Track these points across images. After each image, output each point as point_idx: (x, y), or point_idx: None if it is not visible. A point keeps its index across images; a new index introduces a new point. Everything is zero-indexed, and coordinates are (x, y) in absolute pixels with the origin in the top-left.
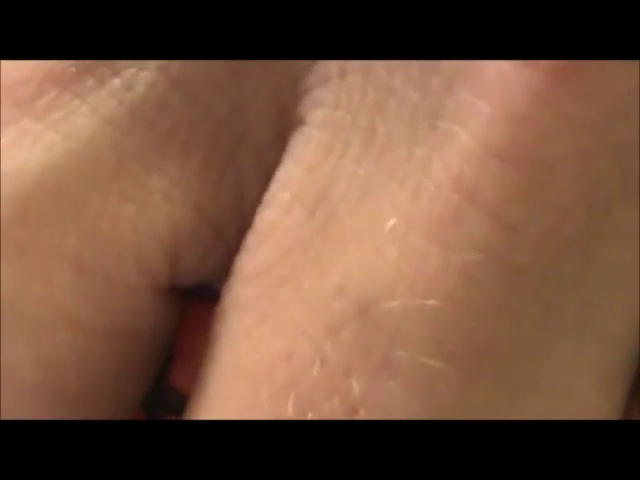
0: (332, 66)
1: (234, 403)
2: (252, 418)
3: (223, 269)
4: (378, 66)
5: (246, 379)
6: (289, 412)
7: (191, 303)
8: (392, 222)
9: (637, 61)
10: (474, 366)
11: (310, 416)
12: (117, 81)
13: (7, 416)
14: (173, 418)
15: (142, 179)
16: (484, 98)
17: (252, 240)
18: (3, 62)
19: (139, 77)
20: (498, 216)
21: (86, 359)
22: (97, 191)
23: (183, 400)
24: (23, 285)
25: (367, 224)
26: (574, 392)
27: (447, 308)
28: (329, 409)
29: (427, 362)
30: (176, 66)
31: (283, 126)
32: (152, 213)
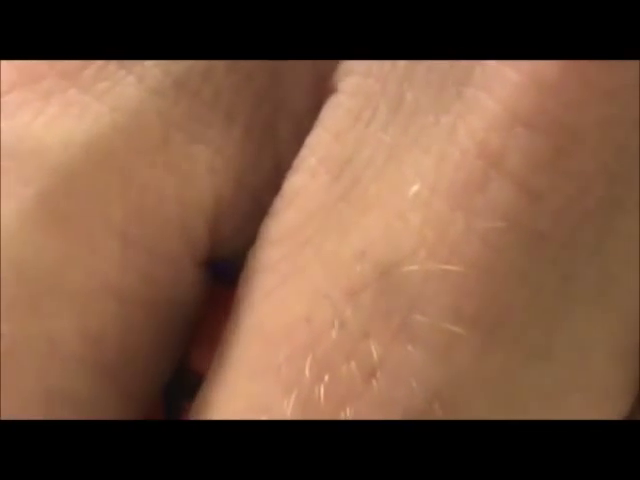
0: None
1: (253, 364)
2: (270, 379)
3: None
4: None
5: (265, 340)
6: (306, 374)
7: (214, 285)
8: (416, 188)
9: None
10: (492, 332)
11: (327, 379)
12: None
13: (52, 389)
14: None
15: (187, 150)
16: (512, 65)
17: (279, 204)
18: None
19: None
20: (523, 183)
21: (127, 330)
22: (143, 163)
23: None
24: (69, 257)
25: (391, 190)
26: (587, 364)
27: (468, 274)
28: (346, 372)
29: (446, 326)
30: None
31: (319, 95)
32: (197, 185)
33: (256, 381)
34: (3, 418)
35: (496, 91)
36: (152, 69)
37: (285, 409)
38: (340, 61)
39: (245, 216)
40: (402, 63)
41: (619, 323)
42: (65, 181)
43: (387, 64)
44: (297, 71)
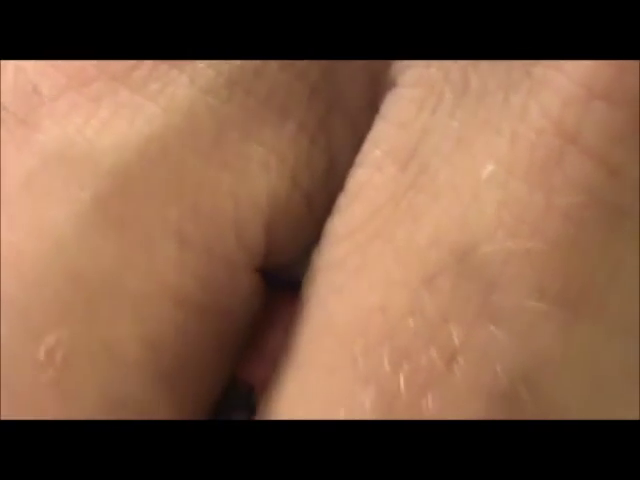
0: None
1: (327, 359)
2: (346, 373)
3: (308, 247)
4: None
5: (339, 334)
6: (385, 364)
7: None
8: (489, 170)
9: None
10: (576, 308)
11: (406, 367)
12: None
13: (112, 398)
14: (241, 414)
15: (241, 148)
16: None
17: (344, 200)
18: None
19: None
20: (601, 158)
21: (183, 336)
22: (198, 162)
23: (251, 394)
24: (126, 260)
25: (462, 174)
26: None
27: (550, 250)
28: (427, 359)
29: (529, 304)
30: None
31: (375, 91)
32: (251, 183)
33: (331, 377)
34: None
35: (568, 68)
36: (204, 69)
37: (364, 402)
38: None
39: (298, 216)
40: None
41: None
42: (120, 184)
43: None
44: (351, 67)
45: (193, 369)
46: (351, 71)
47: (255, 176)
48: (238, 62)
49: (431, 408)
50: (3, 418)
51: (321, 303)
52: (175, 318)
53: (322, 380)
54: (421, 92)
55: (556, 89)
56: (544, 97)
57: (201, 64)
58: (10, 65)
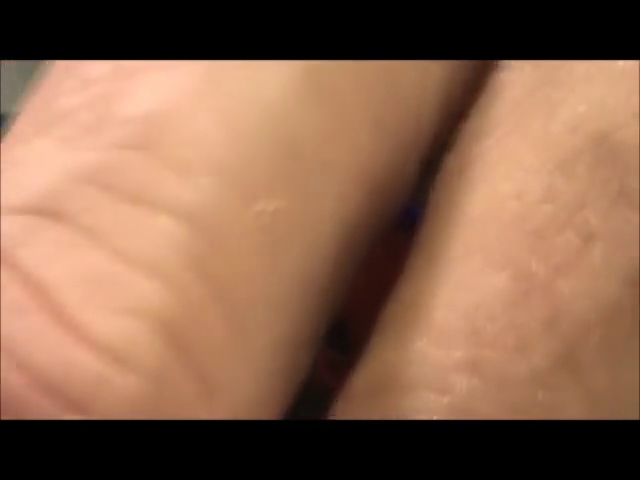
0: None
1: (459, 248)
2: (480, 259)
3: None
4: None
5: (470, 224)
6: (519, 248)
7: None
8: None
9: None
10: None
11: (542, 250)
12: None
13: (308, 279)
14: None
15: None
16: None
17: (482, 101)
18: None
19: None
20: None
21: (363, 218)
22: None
23: (346, 330)
24: (330, 135)
25: (598, 65)
26: None
27: None
28: (563, 242)
29: None
30: None
31: None
32: (433, 75)
33: (464, 263)
34: (263, 306)
35: None
36: None
37: (498, 285)
38: None
39: (450, 110)
40: None
41: None
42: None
43: None
44: None
45: (357, 257)
46: None
47: (433, 68)
48: None
49: (566, 290)
50: (203, 278)
51: (454, 199)
52: (365, 200)
53: (455, 269)
54: None
55: None
56: None
57: None
58: None
